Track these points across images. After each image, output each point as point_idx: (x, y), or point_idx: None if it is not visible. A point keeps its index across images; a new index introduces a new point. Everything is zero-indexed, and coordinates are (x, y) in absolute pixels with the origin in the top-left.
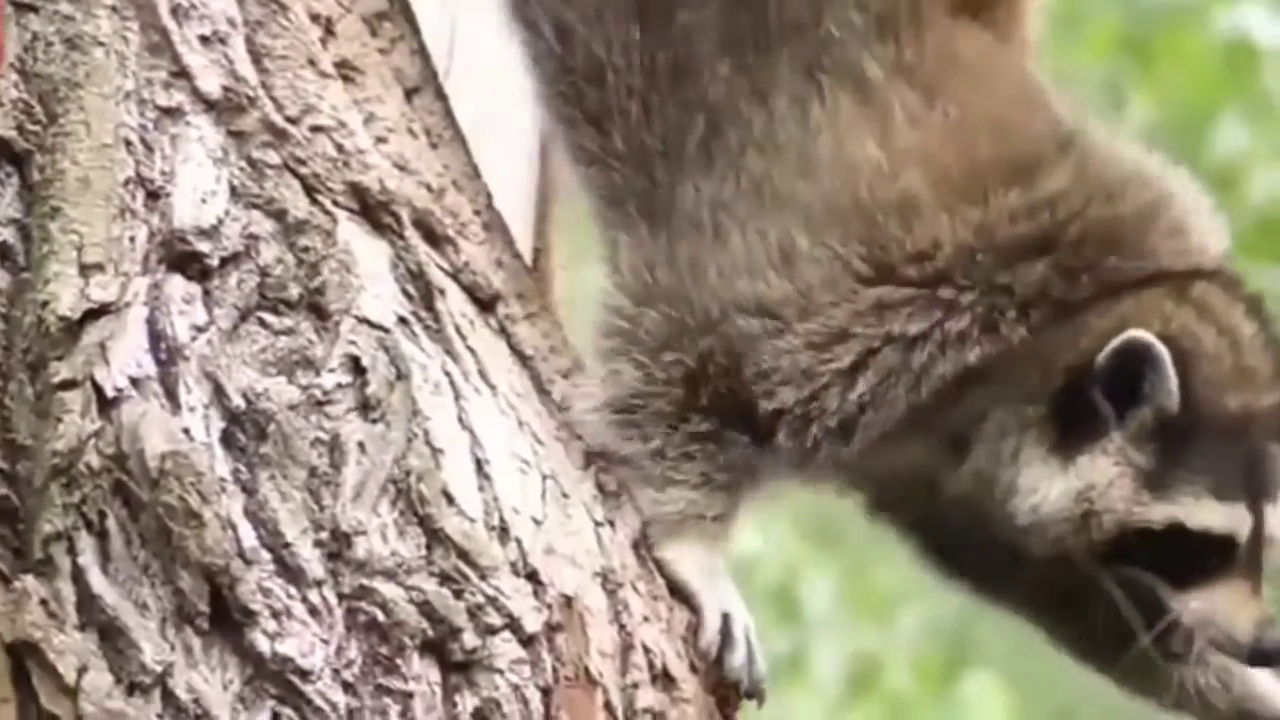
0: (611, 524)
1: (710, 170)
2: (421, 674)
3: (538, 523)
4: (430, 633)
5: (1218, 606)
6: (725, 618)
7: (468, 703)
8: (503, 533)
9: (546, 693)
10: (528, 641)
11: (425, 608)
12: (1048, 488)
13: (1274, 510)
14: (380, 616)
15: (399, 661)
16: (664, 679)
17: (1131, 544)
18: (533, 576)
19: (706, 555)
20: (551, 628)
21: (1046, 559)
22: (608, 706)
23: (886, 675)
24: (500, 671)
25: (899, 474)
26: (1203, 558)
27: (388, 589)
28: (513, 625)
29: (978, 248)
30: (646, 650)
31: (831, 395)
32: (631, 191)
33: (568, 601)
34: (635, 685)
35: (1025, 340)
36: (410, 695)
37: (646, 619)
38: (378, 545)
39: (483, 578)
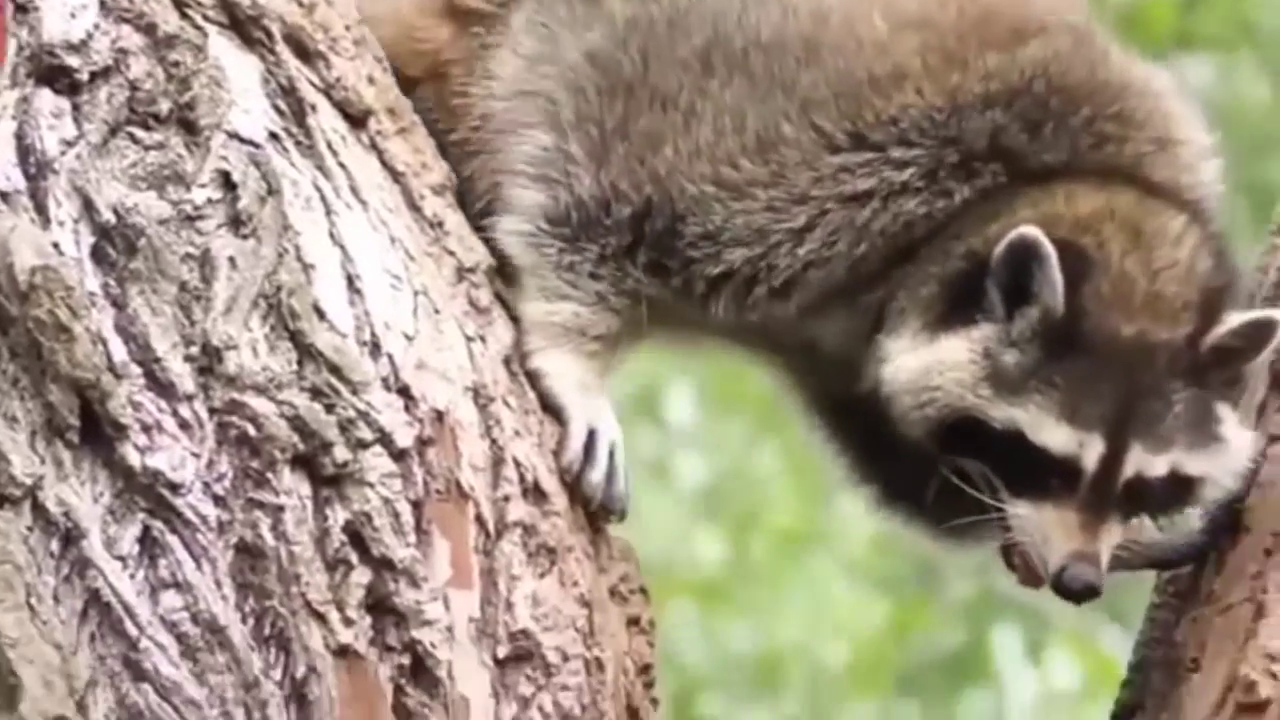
0: (483, 339)
1: (707, 72)
2: (292, 488)
3: (409, 338)
4: (301, 447)
5: (1040, 525)
6: (591, 434)
7: (338, 516)
8: (374, 348)
9: (418, 506)
10: (399, 456)
11: (296, 422)
12: (906, 359)
13: (1141, 451)
14: (251, 431)
15: (269, 475)
16: (535, 493)
17: (975, 435)
18: (404, 391)
19: (583, 372)
20: (423, 442)
21: (912, 439)
22: (479, 520)
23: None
24: (371, 485)
25: (823, 343)
26: (1043, 474)
27: (258, 403)
28: (384, 440)
29: (942, 108)
30: (518, 464)
31: (781, 254)
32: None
33: (439, 416)
34: (506, 499)
35: (955, 211)
36: (281, 509)
37: (518, 433)
38: (248, 360)
39: (354, 392)
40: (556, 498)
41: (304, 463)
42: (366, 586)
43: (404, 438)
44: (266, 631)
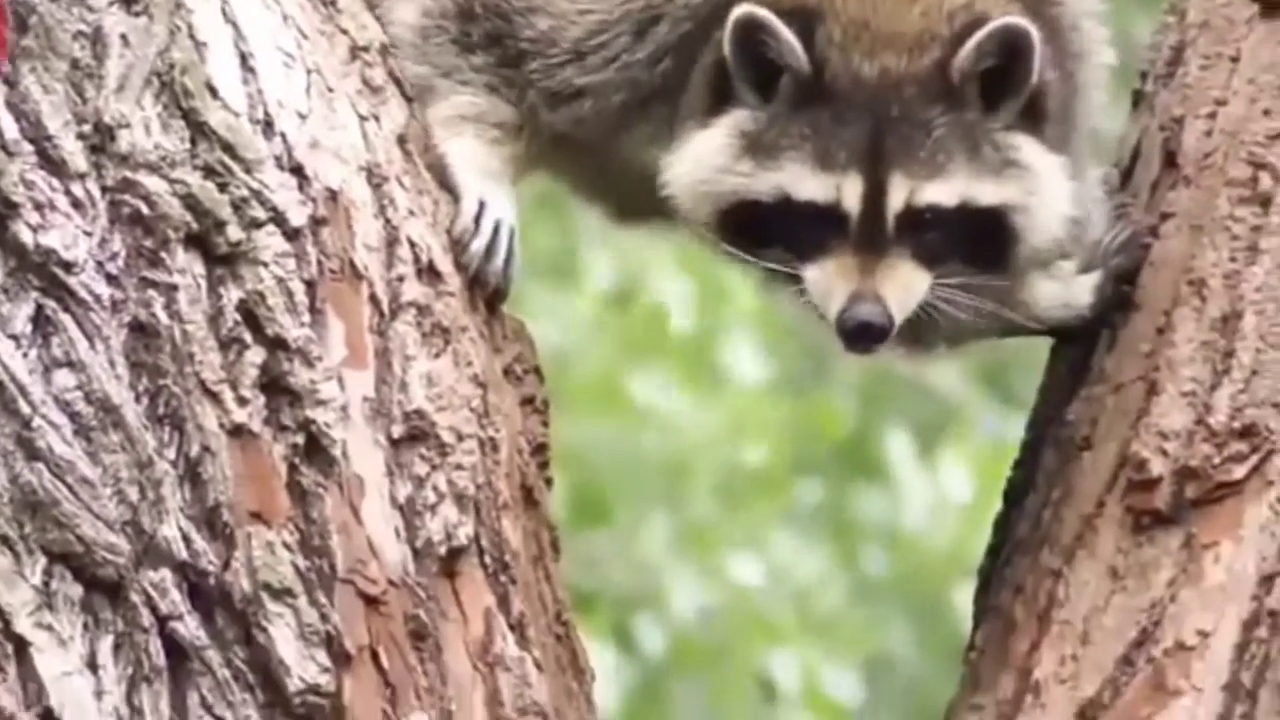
0: (376, 118)
1: None
2: (186, 267)
3: (302, 117)
4: (194, 226)
5: (821, 279)
6: (481, 206)
7: (232, 295)
8: (267, 126)
9: (311, 286)
10: (292, 235)
11: (189, 201)
12: (677, 162)
13: (904, 179)
14: (144, 209)
15: (163, 254)
16: (429, 273)
17: (754, 218)
18: (297, 170)
19: (485, 157)
20: (316, 221)
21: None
22: (373, 299)
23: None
24: (265, 264)
25: (639, 161)
26: (817, 230)
27: (151, 182)
28: (277, 218)
29: None
30: (412, 244)
31: (569, 65)
32: None
33: (332, 195)
34: (400, 279)
35: (717, 7)
36: (175, 288)
37: (412, 213)
38: (141, 138)
39: (247, 171)
40: (451, 278)
41: (197, 242)
42: (260, 366)
43: (297, 217)
44: (160, 411)
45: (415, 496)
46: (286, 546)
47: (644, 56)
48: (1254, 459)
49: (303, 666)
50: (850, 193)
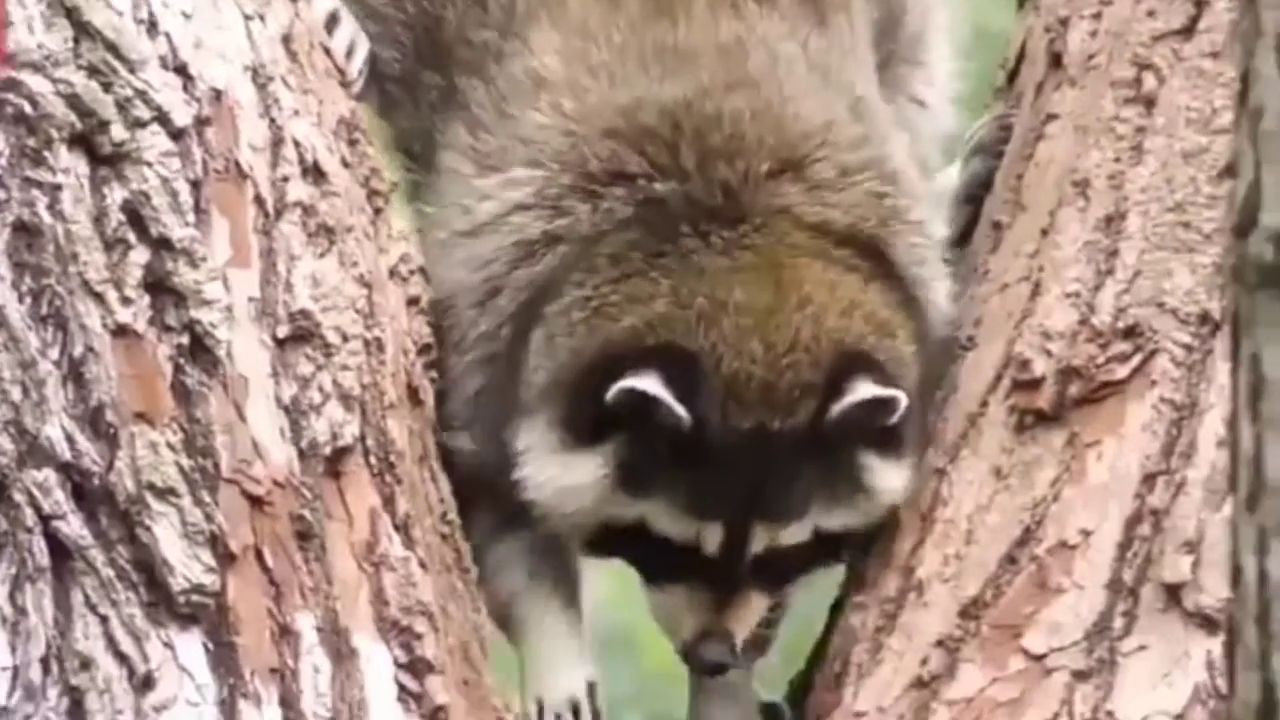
0: (261, 18)
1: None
2: (70, 166)
3: (186, 16)
4: (78, 125)
5: (670, 606)
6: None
7: (116, 195)
8: (151, 26)
9: (196, 186)
10: (177, 135)
11: (73, 100)
12: (543, 471)
13: (765, 529)
14: (27, 109)
15: (46, 154)
16: (314, 173)
17: (610, 533)
18: (182, 70)
19: None
20: (201, 121)
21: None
22: (258, 200)
23: None
24: (149, 164)
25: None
26: (671, 559)
27: (35, 81)
28: (161, 118)
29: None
30: (297, 144)
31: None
32: None
33: (217, 95)
34: (285, 179)
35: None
36: (58, 188)
37: (297, 113)
38: (24, 37)
39: (131, 71)
40: (336, 178)
41: (81, 141)
42: (145, 266)
43: (182, 117)
44: (44, 310)
45: (300, 396)
46: (170, 446)
47: (487, 329)
48: (1137, 358)
49: (187, 566)
50: (710, 539)
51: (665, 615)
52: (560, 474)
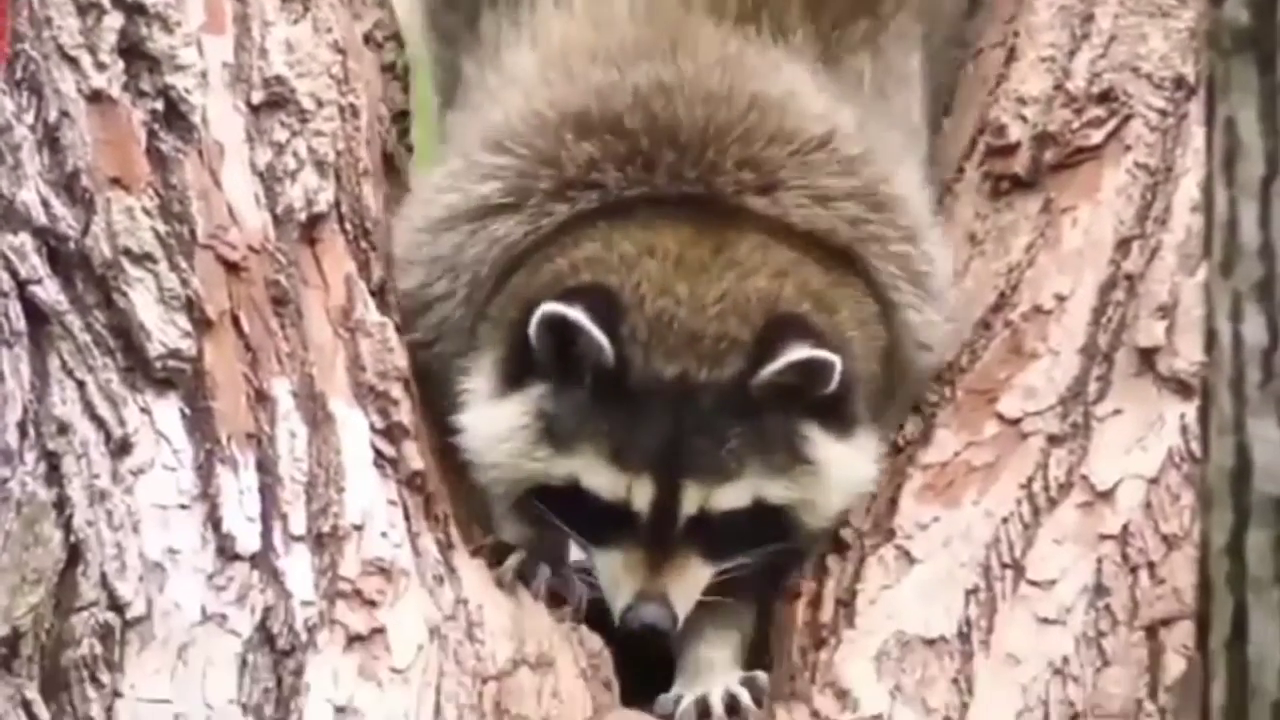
0: None
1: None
2: None
3: None
4: None
5: (607, 569)
6: None
7: None
8: None
9: None
10: None
11: None
12: (474, 421)
13: (696, 487)
14: None
15: None
16: None
17: (543, 494)
18: None
19: None
20: None
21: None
22: None
23: None
24: None
25: None
26: (605, 520)
27: None
28: None
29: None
30: None
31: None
32: None
33: None
34: None
35: (546, 233)
36: None
37: None
38: None
39: None
40: None
41: None
42: (119, 30)
43: None
44: (18, 75)
45: (275, 163)
46: (146, 212)
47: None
48: (1112, 123)
49: (163, 331)
50: (640, 495)
51: (607, 582)
52: (487, 421)
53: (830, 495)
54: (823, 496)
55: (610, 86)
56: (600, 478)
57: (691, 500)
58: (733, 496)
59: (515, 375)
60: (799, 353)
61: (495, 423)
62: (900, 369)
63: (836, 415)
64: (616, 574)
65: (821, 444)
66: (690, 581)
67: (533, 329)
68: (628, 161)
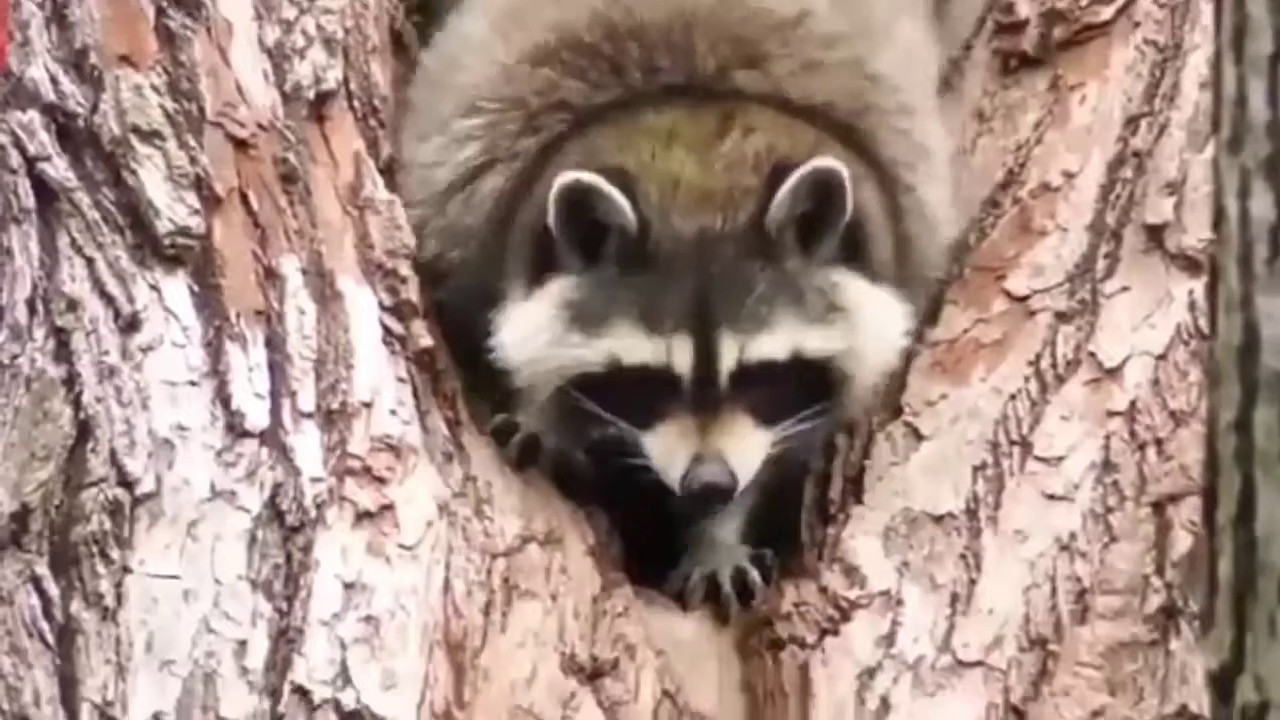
0: None
1: None
2: None
3: None
4: None
5: (660, 445)
6: None
7: None
8: None
9: None
10: None
11: None
12: (505, 336)
13: (732, 337)
14: None
15: None
16: None
17: (589, 388)
18: None
19: None
20: None
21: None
22: None
23: None
24: None
25: None
26: (652, 396)
27: None
28: None
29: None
30: None
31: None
32: None
33: None
34: None
35: (529, 167)
36: None
37: None
38: None
39: None
40: None
41: None
42: None
43: None
44: None
45: (284, 40)
46: (155, 89)
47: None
48: (1120, 0)
49: (172, 209)
50: (680, 355)
51: (661, 459)
52: (518, 323)
53: (869, 341)
54: (861, 343)
55: (566, 18)
56: (638, 347)
57: (729, 352)
58: (769, 346)
59: (539, 273)
60: (806, 171)
61: (525, 321)
62: (908, 248)
63: (861, 261)
64: (670, 444)
65: (851, 289)
66: (744, 442)
67: (551, 204)
68: (590, 70)
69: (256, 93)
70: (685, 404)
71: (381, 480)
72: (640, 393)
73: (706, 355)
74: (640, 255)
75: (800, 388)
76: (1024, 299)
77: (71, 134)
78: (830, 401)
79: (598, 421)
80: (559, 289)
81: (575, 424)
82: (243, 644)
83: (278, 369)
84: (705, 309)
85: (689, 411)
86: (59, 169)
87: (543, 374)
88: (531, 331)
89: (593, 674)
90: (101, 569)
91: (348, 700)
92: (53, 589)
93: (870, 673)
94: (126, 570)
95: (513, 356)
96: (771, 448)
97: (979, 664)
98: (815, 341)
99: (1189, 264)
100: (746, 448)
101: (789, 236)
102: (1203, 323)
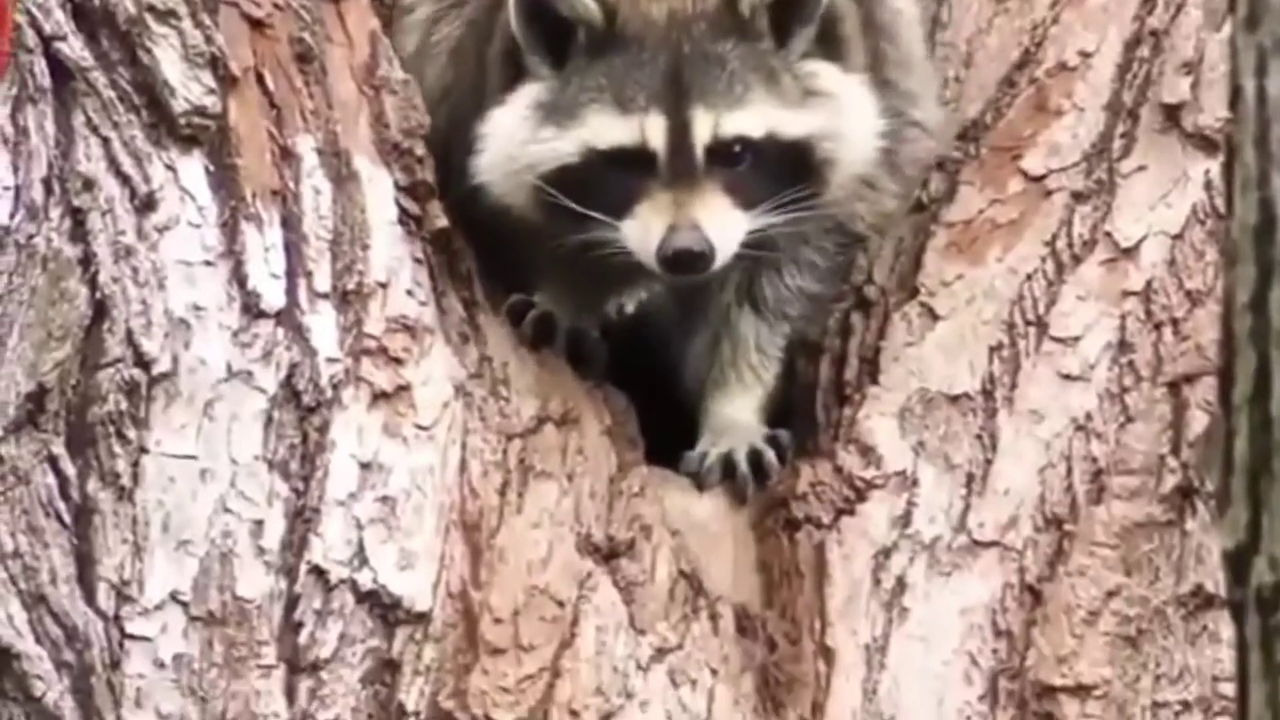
0: None
1: None
2: None
3: None
4: None
5: (636, 223)
6: None
7: None
8: None
9: None
10: None
11: None
12: (483, 145)
13: (706, 112)
14: None
15: None
16: None
17: (565, 185)
18: None
19: None
20: None
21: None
22: None
23: None
24: None
25: None
26: (629, 181)
27: None
28: None
29: None
30: None
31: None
32: None
33: None
34: None
35: None
36: None
37: None
38: None
39: None
40: None
41: None
42: None
43: None
44: None
45: None
46: None
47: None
48: None
49: (187, 88)
50: (654, 131)
51: (637, 236)
52: (493, 126)
53: (846, 123)
54: (839, 125)
55: None
56: (611, 128)
57: (703, 126)
58: (744, 122)
59: (511, 79)
60: None
61: (499, 123)
62: (882, 62)
63: (837, 51)
64: (646, 221)
65: (828, 77)
66: (722, 217)
67: (512, 12)
68: None
69: None
70: (662, 182)
71: (398, 361)
72: (617, 182)
73: (681, 130)
74: (608, 43)
75: (779, 177)
76: (1040, 179)
77: (87, 13)
78: (809, 187)
79: (577, 220)
80: (529, 92)
81: (554, 225)
82: (259, 524)
83: (293, 249)
84: (678, 85)
85: (664, 188)
86: (74, 48)
87: (517, 173)
88: (504, 135)
89: (609, 554)
90: (118, 449)
91: (364, 580)
92: (69, 469)
93: (886, 553)
94: (143, 450)
95: (487, 163)
96: (750, 232)
97: (994, 544)
98: (792, 124)
99: (1205, 143)
100: (724, 222)
101: (762, 20)
102: (1219, 202)
